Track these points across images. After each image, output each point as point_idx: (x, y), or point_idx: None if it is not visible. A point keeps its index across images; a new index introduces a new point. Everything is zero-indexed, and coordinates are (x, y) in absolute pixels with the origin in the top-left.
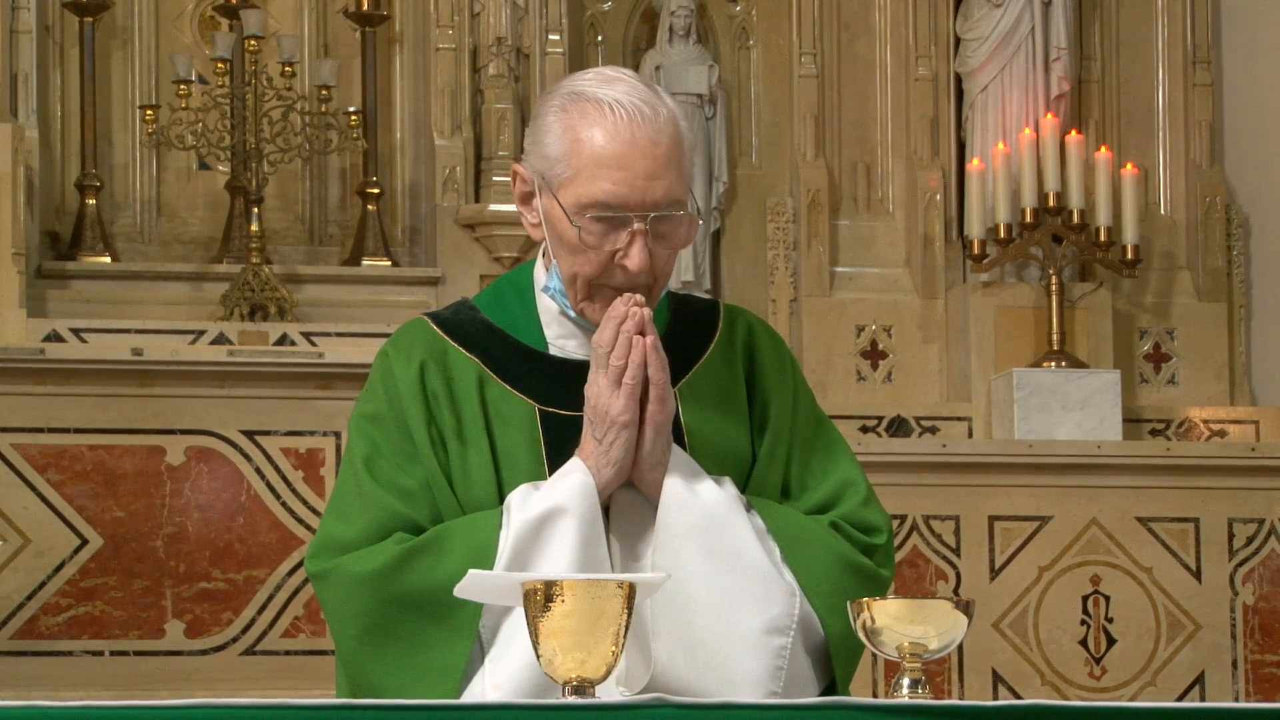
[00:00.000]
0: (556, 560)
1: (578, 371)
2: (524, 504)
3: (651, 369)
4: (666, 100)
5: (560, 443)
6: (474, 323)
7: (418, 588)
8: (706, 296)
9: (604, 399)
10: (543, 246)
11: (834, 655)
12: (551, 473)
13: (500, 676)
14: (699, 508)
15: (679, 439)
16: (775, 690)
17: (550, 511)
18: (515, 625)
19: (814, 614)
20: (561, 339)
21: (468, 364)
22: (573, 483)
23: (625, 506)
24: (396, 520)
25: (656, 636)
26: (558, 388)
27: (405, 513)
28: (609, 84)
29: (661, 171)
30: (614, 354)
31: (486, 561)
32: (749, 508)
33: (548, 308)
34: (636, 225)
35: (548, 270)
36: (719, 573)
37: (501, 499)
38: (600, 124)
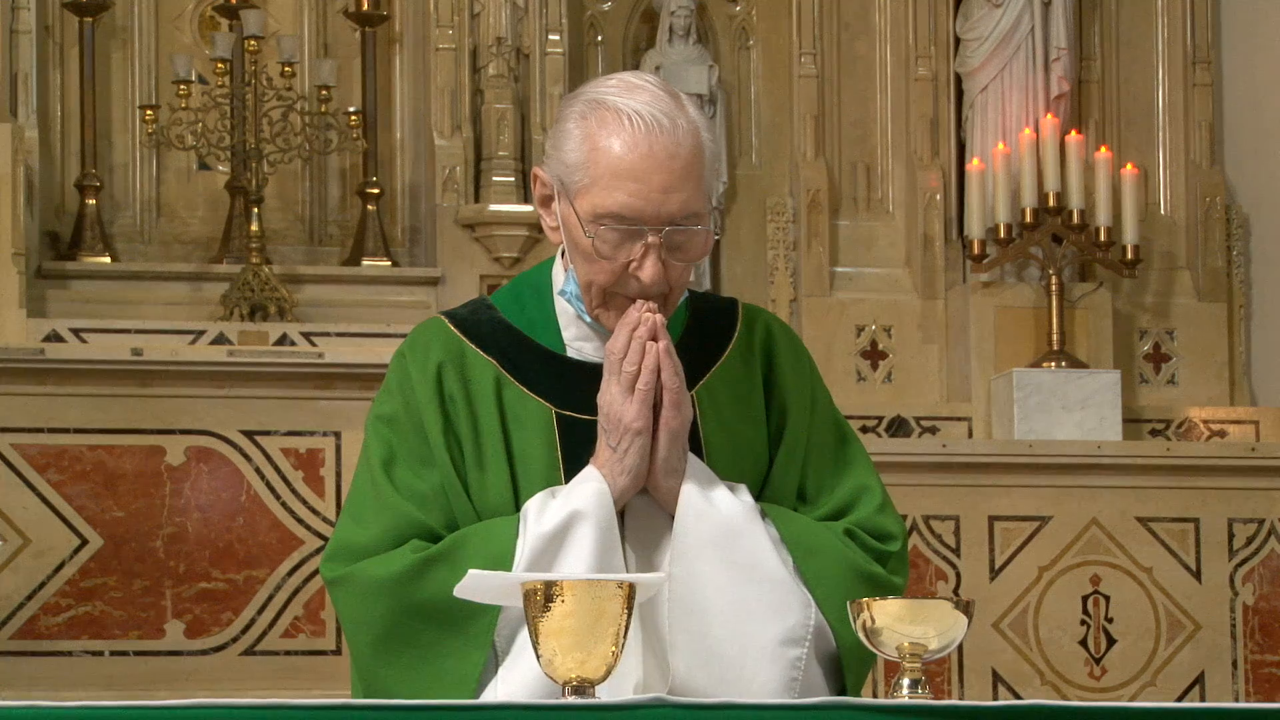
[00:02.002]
0: (573, 569)
1: (595, 375)
2: (540, 514)
3: (665, 374)
4: (689, 111)
5: (576, 446)
6: (492, 323)
7: (434, 596)
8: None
9: (617, 406)
10: (561, 247)
11: (845, 666)
12: (567, 477)
13: (513, 685)
14: (716, 518)
15: (696, 441)
16: None
17: (567, 522)
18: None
19: (827, 624)
20: (579, 341)
21: (485, 365)
22: (588, 491)
23: (641, 515)
24: (412, 526)
25: (674, 648)
26: (575, 391)
27: (420, 518)
28: (631, 92)
29: (678, 184)
30: (626, 360)
31: (503, 570)
32: (763, 515)
33: (565, 310)
34: (650, 238)
35: (566, 272)
36: (736, 583)
37: (517, 503)
38: (618, 134)
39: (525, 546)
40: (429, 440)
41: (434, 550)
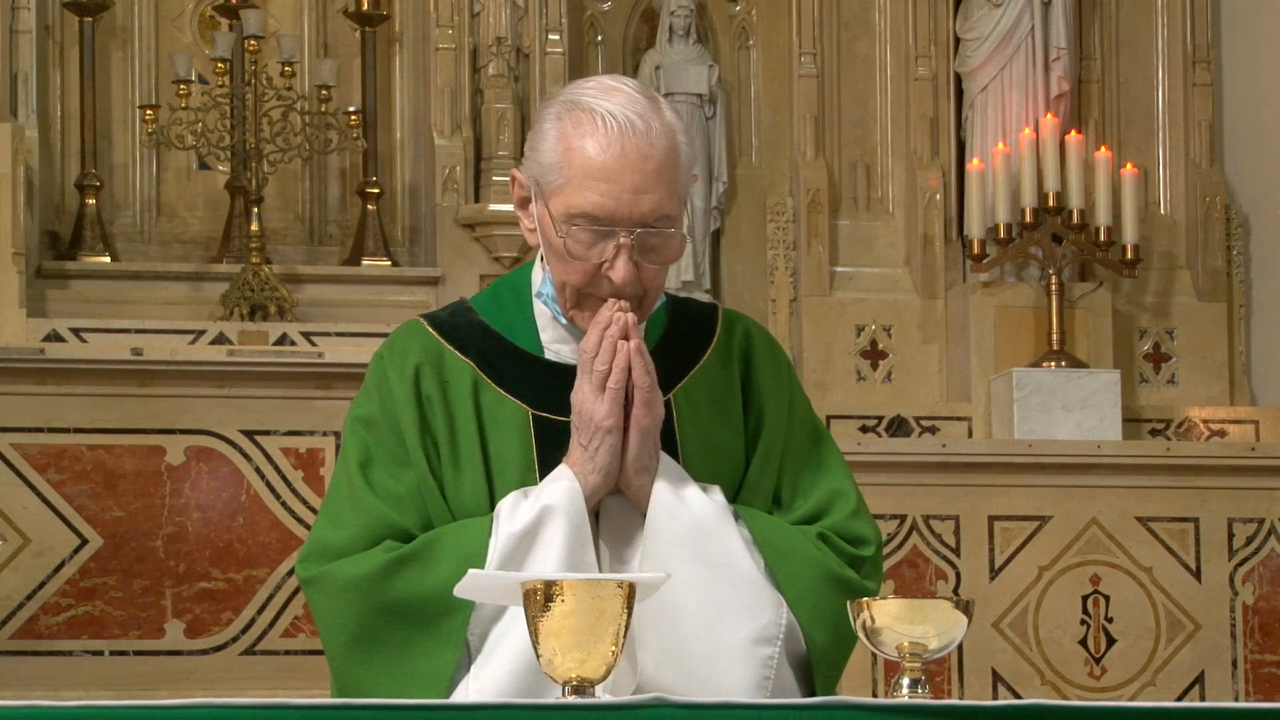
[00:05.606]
0: (544, 567)
1: (572, 376)
2: (512, 513)
3: (635, 373)
4: (665, 114)
5: (552, 448)
6: (470, 325)
7: (406, 595)
8: (706, 299)
9: (588, 404)
10: (539, 250)
11: (815, 668)
12: (542, 477)
13: (484, 682)
14: (687, 517)
15: (672, 444)
16: None
17: (537, 520)
18: (501, 633)
19: (798, 625)
20: (556, 343)
21: (463, 367)
22: (559, 489)
23: (614, 513)
24: (387, 527)
25: (644, 646)
26: (551, 393)
27: (395, 519)
28: (607, 95)
29: (650, 186)
30: (598, 359)
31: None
32: (736, 517)
33: (542, 312)
34: (622, 238)
35: (544, 274)
36: (707, 583)
37: (492, 503)
38: (592, 135)
39: (497, 546)
40: (405, 441)
41: (406, 550)
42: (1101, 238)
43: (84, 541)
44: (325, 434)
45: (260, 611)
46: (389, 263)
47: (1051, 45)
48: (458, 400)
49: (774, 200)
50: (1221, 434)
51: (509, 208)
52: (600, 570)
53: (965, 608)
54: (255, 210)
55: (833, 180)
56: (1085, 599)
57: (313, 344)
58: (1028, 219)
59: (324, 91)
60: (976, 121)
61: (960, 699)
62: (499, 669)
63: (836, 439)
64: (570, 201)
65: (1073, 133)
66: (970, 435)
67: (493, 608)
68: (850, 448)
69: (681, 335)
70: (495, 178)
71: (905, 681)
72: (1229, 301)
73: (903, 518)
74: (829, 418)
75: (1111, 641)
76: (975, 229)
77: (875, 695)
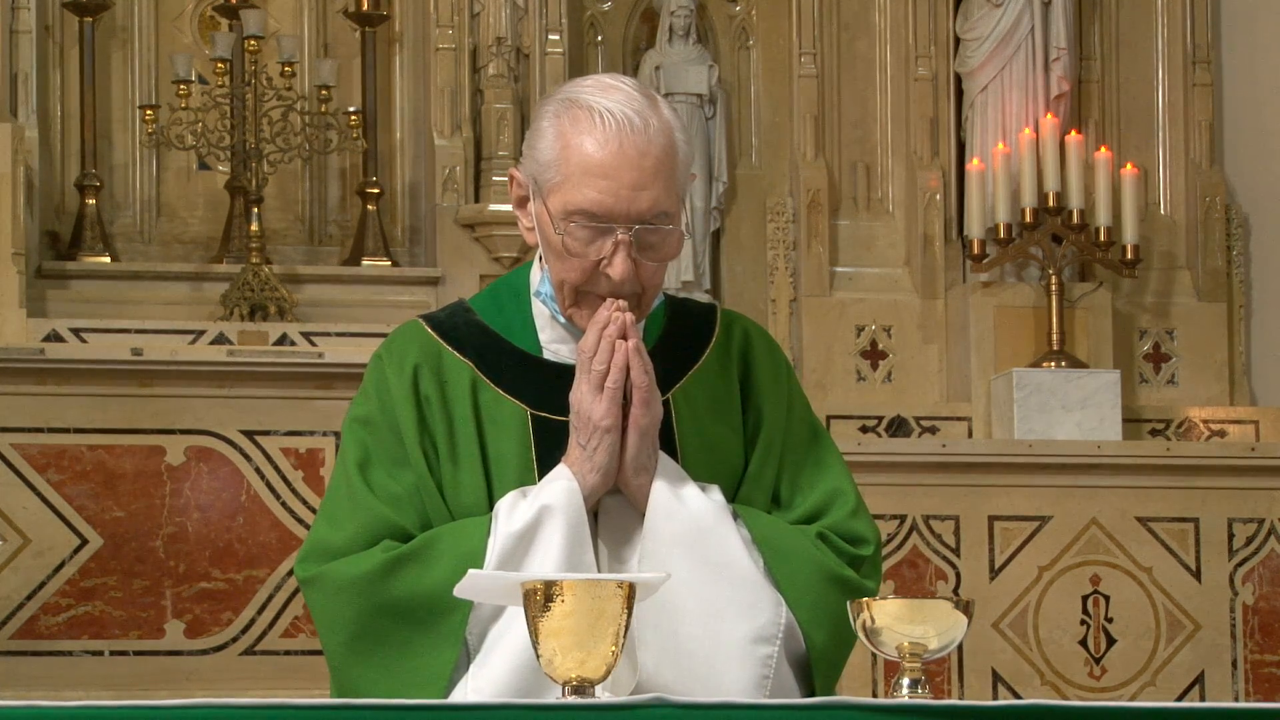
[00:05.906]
0: (543, 567)
1: (570, 376)
2: (511, 513)
3: (634, 373)
4: (664, 111)
5: (551, 448)
6: (469, 325)
7: (404, 595)
8: (704, 300)
9: (586, 404)
10: (538, 250)
11: (814, 668)
12: (541, 477)
13: (482, 681)
14: (686, 516)
15: (671, 445)
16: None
17: (536, 520)
18: (500, 632)
19: (797, 624)
20: (555, 343)
21: (461, 367)
22: (558, 489)
23: (613, 513)
24: (385, 527)
25: (643, 645)
26: (550, 392)
27: (394, 519)
28: (605, 92)
29: (648, 183)
30: (596, 359)
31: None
32: (735, 516)
33: (541, 312)
34: (620, 235)
35: (542, 274)
36: (706, 582)
37: (491, 503)
38: (590, 132)
39: (495, 545)
40: (404, 441)
41: (404, 549)
42: (1101, 238)
43: (84, 541)
44: (325, 434)
45: (260, 612)
46: (389, 263)
47: (1051, 45)
48: (456, 400)
49: (774, 200)
50: (1221, 434)
51: (509, 208)
52: (599, 570)
53: (965, 608)
54: (255, 210)
55: (833, 180)
56: (1085, 599)
57: (313, 344)
58: (1028, 219)
59: (324, 91)
60: (976, 121)
61: (960, 699)
62: (497, 668)
63: (836, 439)
64: (568, 198)
65: (1073, 133)
66: (970, 435)
67: (491, 607)
68: (850, 448)
69: (680, 335)
70: (495, 178)
71: (905, 681)
72: (1229, 301)
73: (903, 518)
74: (829, 418)
75: (1111, 641)
76: (975, 229)
77: (875, 695)
